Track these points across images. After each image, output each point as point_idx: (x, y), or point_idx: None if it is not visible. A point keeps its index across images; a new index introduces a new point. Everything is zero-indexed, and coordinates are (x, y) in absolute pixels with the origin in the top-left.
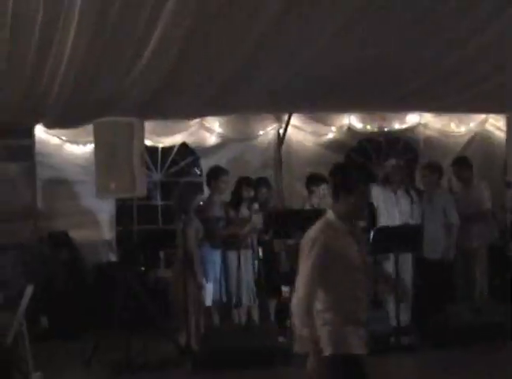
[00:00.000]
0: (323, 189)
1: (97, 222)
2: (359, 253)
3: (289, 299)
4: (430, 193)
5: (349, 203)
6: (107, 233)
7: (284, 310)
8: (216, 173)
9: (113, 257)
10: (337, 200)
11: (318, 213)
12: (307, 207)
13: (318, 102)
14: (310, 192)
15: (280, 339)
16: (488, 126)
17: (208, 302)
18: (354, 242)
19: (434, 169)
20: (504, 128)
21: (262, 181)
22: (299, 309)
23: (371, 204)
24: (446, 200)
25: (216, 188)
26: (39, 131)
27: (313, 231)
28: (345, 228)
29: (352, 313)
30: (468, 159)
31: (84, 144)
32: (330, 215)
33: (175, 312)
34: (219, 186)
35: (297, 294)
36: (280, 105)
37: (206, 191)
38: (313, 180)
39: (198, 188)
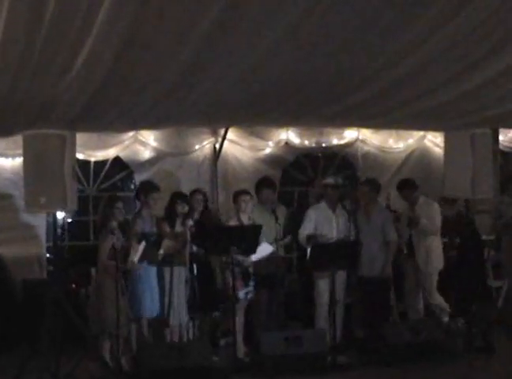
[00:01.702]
0: (245, 202)
1: (27, 237)
2: None
3: (222, 317)
4: (368, 210)
5: None
6: (37, 249)
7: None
8: (146, 188)
9: (43, 274)
10: None
11: (255, 229)
12: (235, 222)
13: (255, 116)
14: (237, 207)
15: (214, 358)
16: (427, 142)
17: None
18: None
19: (372, 185)
20: (442, 144)
21: (197, 192)
22: None
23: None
24: (384, 217)
25: (145, 203)
26: None
27: None
28: None
29: None
30: (412, 181)
31: (13, 157)
32: None
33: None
34: (148, 202)
35: None
36: (217, 119)
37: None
38: (239, 196)
39: (126, 202)
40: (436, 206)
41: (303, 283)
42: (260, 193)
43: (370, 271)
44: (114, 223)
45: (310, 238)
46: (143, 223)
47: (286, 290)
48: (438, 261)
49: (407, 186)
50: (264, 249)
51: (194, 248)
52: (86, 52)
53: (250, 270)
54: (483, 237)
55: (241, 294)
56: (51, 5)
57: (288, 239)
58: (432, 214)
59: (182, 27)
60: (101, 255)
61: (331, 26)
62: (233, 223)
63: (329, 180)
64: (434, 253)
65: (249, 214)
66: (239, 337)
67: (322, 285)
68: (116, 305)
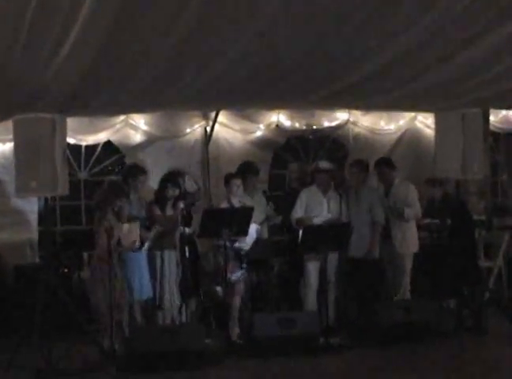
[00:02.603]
0: (237, 186)
1: (19, 222)
2: None
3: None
4: (356, 191)
5: None
6: (29, 234)
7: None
8: (133, 171)
9: (35, 259)
10: None
11: (246, 211)
12: (225, 205)
13: (246, 99)
14: (229, 190)
15: (207, 340)
16: (417, 124)
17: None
18: None
19: (362, 166)
20: (433, 125)
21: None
22: None
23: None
24: (373, 198)
25: (133, 187)
26: None
27: None
28: None
29: None
30: (390, 160)
31: (4, 142)
32: None
33: (99, 314)
34: (136, 185)
35: None
36: (208, 102)
37: None
38: (229, 179)
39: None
40: (412, 187)
41: (294, 265)
42: (244, 179)
43: (357, 251)
44: (109, 208)
45: (301, 220)
46: (130, 207)
47: (277, 272)
48: (413, 245)
49: (385, 165)
50: (250, 233)
51: (187, 229)
52: (75, 35)
53: (243, 252)
54: (474, 217)
55: (234, 276)
56: None
57: (278, 219)
58: (410, 197)
59: (173, 9)
60: (101, 240)
61: (321, 8)
62: (224, 205)
63: (318, 164)
64: (410, 235)
65: (239, 197)
66: (234, 319)
67: (311, 268)
68: (110, 289)
